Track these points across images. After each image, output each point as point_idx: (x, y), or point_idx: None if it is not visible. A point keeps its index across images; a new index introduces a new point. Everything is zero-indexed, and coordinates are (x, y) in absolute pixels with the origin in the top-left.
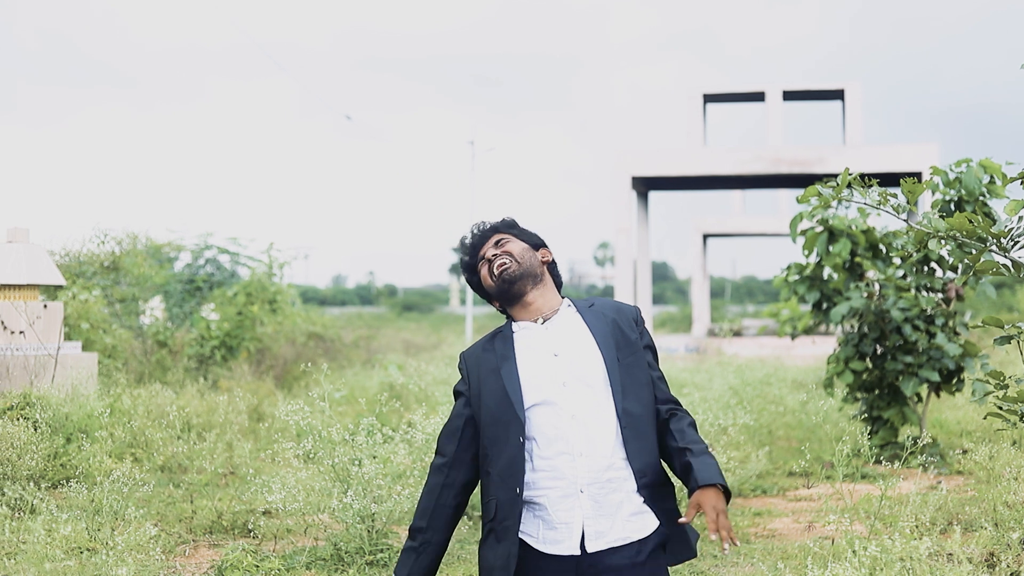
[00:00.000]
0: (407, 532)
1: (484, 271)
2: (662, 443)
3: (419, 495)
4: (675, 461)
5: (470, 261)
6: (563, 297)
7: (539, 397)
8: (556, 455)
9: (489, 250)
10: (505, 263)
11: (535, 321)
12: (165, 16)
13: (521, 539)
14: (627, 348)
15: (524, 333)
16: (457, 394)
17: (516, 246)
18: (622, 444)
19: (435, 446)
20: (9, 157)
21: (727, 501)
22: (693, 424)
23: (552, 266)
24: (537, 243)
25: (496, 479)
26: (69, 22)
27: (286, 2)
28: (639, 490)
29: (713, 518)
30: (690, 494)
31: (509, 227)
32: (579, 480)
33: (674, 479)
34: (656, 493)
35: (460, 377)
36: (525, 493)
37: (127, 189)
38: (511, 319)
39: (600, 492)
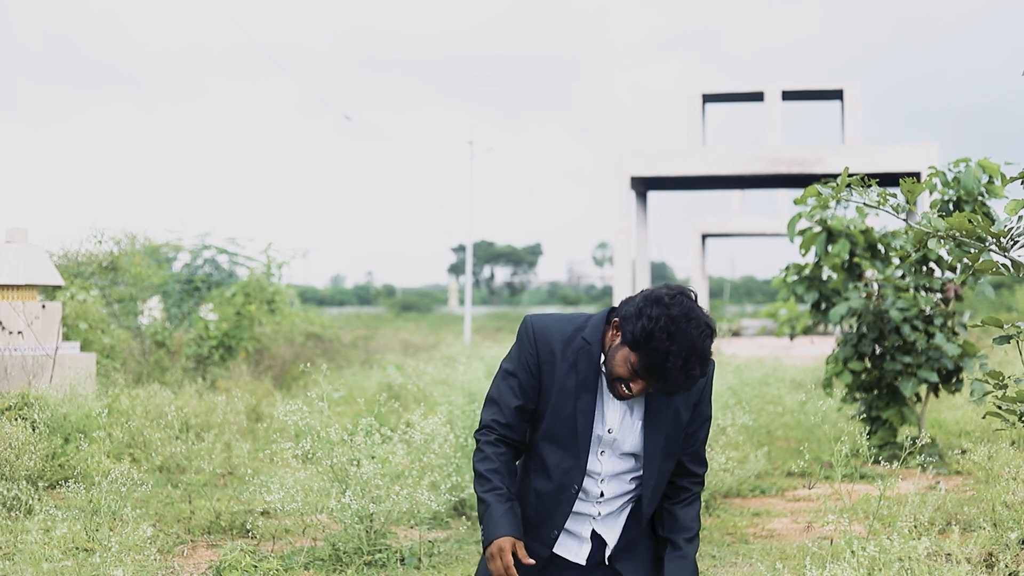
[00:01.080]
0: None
1: (634, 392)
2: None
3: (417, 495)
4: (659, 541)
5: (666, 390)
6: None
7: (594, 460)
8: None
9: (637, 387)
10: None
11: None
12: (167, 16)
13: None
14: (675, 436)
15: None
16: (514, 373)
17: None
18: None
19: (433, 446)
20: (10, 157)
21: None
22: (696, 508)
23: None
24: None
25: (551, 470)
26: (71, 22)
27: (287, 2)
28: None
29: None
30: None
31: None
32: (591, 513)
33: None
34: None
35: (523, 350)
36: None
37: (127, 189)
38: (602, 336)
39: (611, 521)
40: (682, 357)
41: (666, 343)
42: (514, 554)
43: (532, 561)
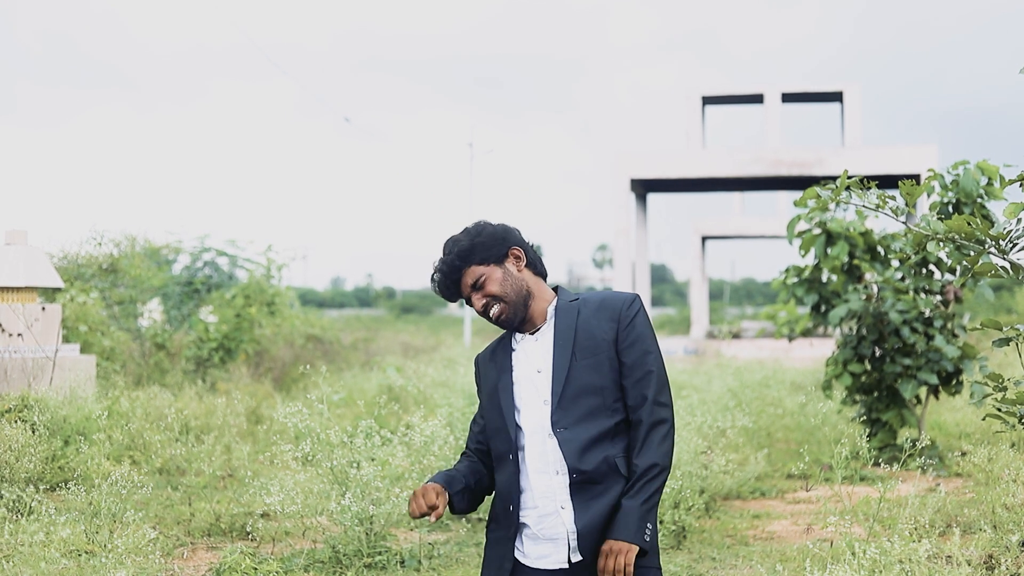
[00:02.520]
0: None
1: (476, 308)
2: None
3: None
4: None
5: (451, 299)
6: (555, 290)
7: (526, 416)
8: (536, 474)
9: (473, 298)
10: (497, 311)
11: (531, 333)
12: (167, 18)
13: (518, 559)
14: (588, 349)
15: (521, 345)
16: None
17: (494, 281)
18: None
19: (433, 448)
20: (10, 158)
21: (639, 553)
22: (655, 440)
23: (530, 257)
24: (503, 251)
25: (498, 490)
26: (71, 23)
27: (287, 3)
28: (570, 486)
29: (604, 566)
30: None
31: (470, 255)
32: (558, 497)
33: None
34: (586, 489)
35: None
36: (519, 512)
37: (127, 191)
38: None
39: (581, 504)
40: (438, 267)
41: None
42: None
43: (438, 506)
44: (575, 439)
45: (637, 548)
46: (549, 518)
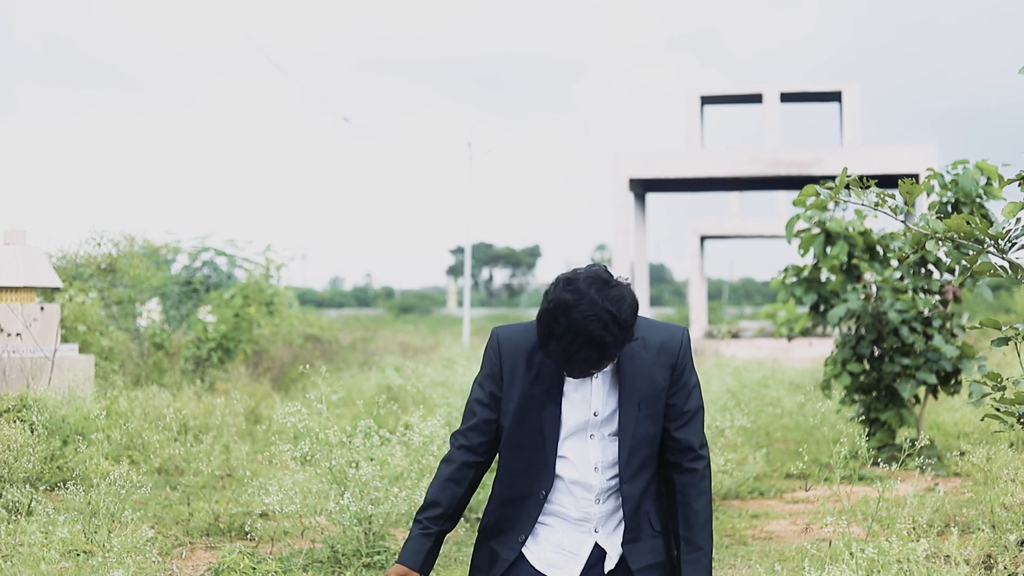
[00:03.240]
0: (415, 519)
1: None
2: (668, 492)
3: (415, 496)
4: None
5: (546, 350)
6: None
7: (567, 446)
8: (575, 498)
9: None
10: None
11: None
12: (168, 18)
13: (524, 553)
14: (650, 399)
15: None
16: (482, 384)
17: (611, 362)
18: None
19: (432, 448)
20: (9, 158)
21: None
22: (705, 491)
23: None
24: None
25: (503, 513)
26: (72, 24)
27: (287, 4)
28: (626, 544)
29: None
30: None
31: (614, 357)
32: (593, 520)
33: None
34: (636, 549)
35: (488, 360)
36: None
37: (127, 191)
38: None
39: (614, 530)
40: (564, 334)
41: (551, 325)
42: None
43: None
44: (632, 495)
45: None
46: (580, 536)
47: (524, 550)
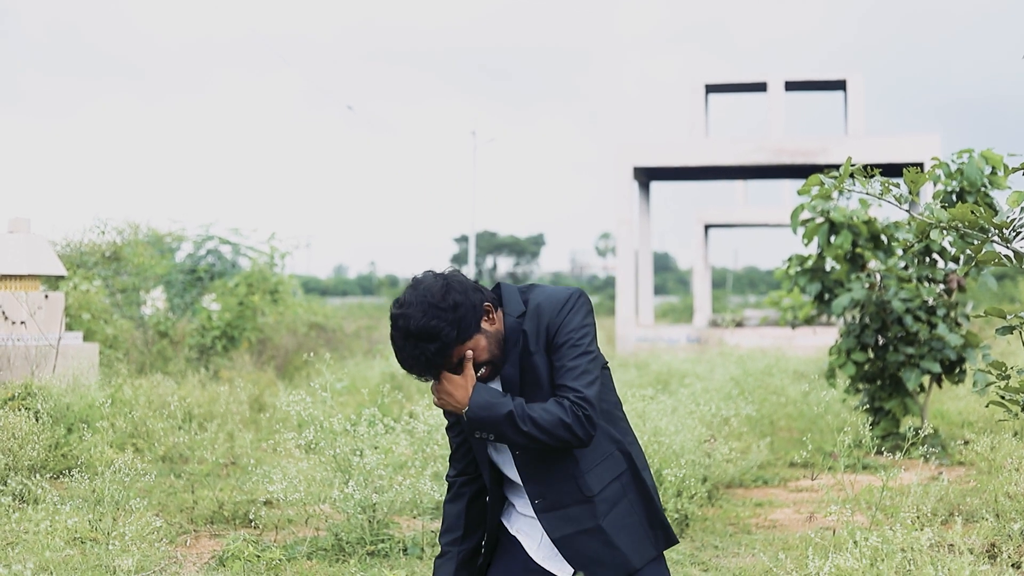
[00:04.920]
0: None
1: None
2: None
3: (419, 485)
4: None
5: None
6: (495, 289)
7: (498, 455)
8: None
9: (434, 388)
10: (486, 373)
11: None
12: (174, 8)
13: (517, 538)
14: (532, 380)
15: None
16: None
17: (481, 351)
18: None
19: (436, 436)
20: (15, 147)
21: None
22: (548, 408)
23: (497, 305)
24: (480, 316)
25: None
26: (77, 14)
27: None
28: (539, 514)
29: None
30: None
31: (454, 343)
32: (547, 533)
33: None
34: (554, 517)
35: None
36: (519, 507)
37: (132, 179)
38: None
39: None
40: (403, 344)
41: (395, 340)
42: None
43: None
44: (529, 461)
45: None
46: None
47: (521, 538)
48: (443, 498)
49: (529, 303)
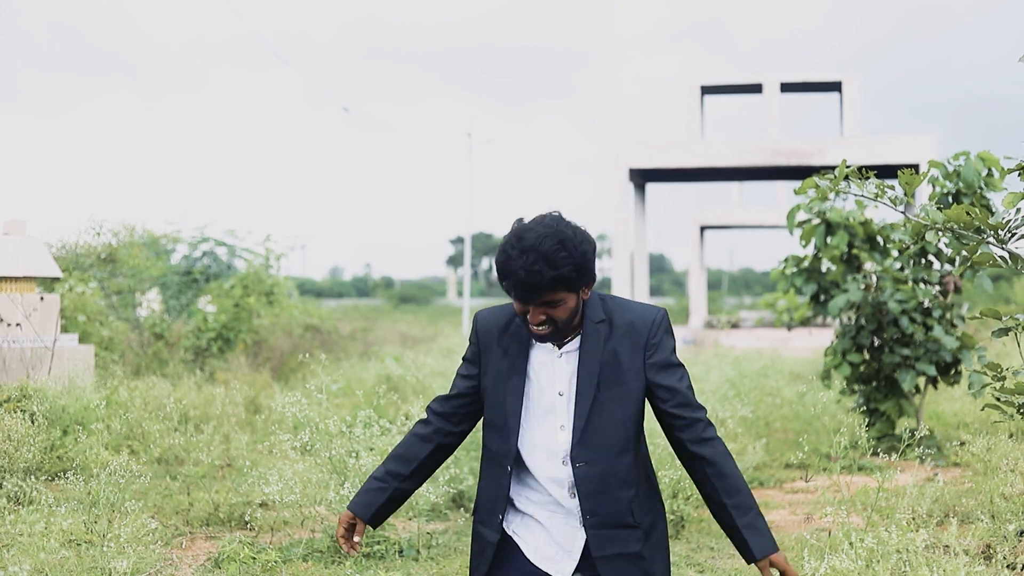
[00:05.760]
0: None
1: (529, 318)
2: (689, 466)
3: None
4: (713, 506)
5: (517, 296)
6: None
7: (536, 436)
8: (553, 489)
9: (533, 310)
10: (545, 332)
11: (557, 346)
12: (172, 7)
13: (514, 539)
14: (615, 380)
15: (539, 353)
16: (464, 360)
17: (566, 309)
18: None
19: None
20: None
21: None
22: (729, 454)
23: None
24: (586, 284)
25: (484, 489)
26: (76, 12)
27: None
28: (587, 528)
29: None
30: (748, 561)
31: (565, 281)
32: (575, 515)
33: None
34: (602, 536)
35: (469, 341)
36: (517, 502)
37: (128, 180)
38: None
39: (603, 522)
40: (518, 255)
41: (506, 250)
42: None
43: (356, 542)
44: (590, 478)
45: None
46: (569, 528)
47: (518, 540)
48: (435, 495)
49: (615, 313)
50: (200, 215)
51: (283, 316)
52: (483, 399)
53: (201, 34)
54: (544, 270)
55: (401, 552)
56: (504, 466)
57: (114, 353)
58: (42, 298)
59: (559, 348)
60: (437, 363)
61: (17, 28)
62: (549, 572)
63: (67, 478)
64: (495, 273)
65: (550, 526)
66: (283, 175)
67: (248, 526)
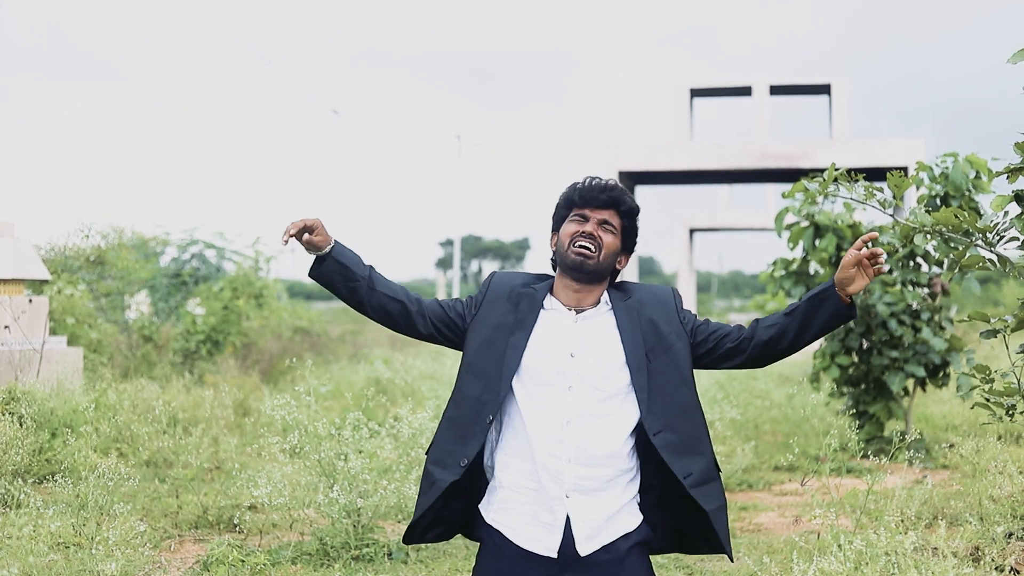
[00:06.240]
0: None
1: (573, 227)
2: (762, 349)
3: (404, 489)
4: (790, 326)
5: (574, 202)
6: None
7: (536, 392)
8: (545, 456)
9: (593, 223)
10: (590, 253)
11: (569, 309)
12: (159, 11)
13: (495, 528)
14: (660, 347)
15: (553, 315)
16: (468, 299)
17: (613, 241)
18: (634, 450)
19: (421, 441)
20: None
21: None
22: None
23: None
24: (629, 248)
25: (446, 436)
26: (63, 16)
27: None
28: (688, 488)
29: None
30: (831, 296)
31: (628, 215)
32: (566, 484)
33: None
34: (705, 491)
35: (479, 289)
36: (498, 477)
37: (118, 183)
38: (551, 285)
39: (587, 496)
40: (589, 179)
41: (576, 181)
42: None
43: (293, 234)
44: (674, 442)
45: None
46: (554, 501)
47: (500, 527)
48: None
49: (635, 292)
50: (189, 217)
51: (272, 319)
52: (470, 344)
53: (189, 38)
54: (624, 193)
55: (390, 555)
56: (483, 416)
57: (103, 355)
58: (30, 300)
59: (580, 312)
60: (426, 366)
61: (3, 32)
62: (536, 551)
63: (55, 481)
64: (567, 192)
65: (534, 500)
66: (272, 178)
67: (237, 529)
